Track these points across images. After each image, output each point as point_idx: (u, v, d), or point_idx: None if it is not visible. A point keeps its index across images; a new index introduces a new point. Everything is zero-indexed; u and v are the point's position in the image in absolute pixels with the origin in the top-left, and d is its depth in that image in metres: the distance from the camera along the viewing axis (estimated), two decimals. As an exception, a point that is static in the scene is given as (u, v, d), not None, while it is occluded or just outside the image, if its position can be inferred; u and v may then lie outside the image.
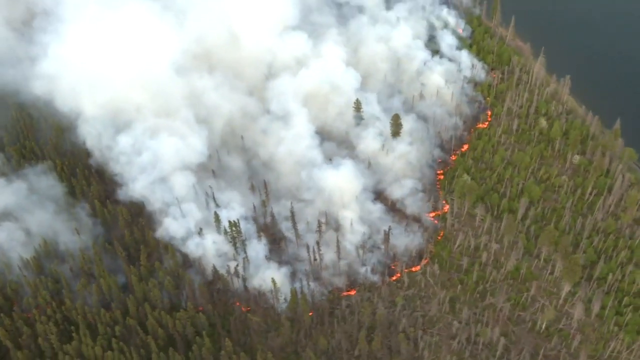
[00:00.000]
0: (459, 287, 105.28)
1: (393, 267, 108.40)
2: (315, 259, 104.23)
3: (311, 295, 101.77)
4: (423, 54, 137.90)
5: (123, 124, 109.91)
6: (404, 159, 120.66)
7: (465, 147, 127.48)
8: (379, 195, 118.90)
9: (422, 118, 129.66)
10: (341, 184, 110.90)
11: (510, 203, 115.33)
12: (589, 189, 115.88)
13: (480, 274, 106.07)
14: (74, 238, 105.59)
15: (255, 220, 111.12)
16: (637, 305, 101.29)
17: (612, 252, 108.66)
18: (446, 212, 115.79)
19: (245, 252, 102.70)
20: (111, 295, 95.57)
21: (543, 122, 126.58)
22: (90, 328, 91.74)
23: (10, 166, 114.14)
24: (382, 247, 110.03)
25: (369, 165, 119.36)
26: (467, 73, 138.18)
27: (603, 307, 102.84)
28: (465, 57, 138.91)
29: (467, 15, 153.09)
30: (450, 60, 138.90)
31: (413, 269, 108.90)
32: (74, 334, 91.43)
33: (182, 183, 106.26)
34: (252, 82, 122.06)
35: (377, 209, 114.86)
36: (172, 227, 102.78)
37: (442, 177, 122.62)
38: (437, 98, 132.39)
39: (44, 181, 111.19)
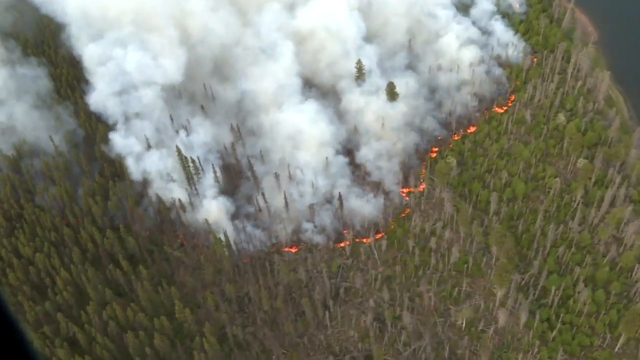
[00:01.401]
0: (399, 267, 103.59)
1: (345, 233, 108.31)
2: (260, 209, 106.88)
3: (247, 242, 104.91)
4: (450, 17, 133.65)
5: (100, 31, 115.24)
6: (390, 125, 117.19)
7: (473, 128, 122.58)
8: (349, 154, 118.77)
9: (431, 87, 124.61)
10: (304, 127, 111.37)
11: (490, 194, 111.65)
12: (578, 197, 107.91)
13: (425, 260, 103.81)
14: (53, 139, 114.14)
15: (222, 157, 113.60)
16: (575, 325, 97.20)
17: (575, 267, 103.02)
18: (421, 191, 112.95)
19: (195, 187, 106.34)
20: (64, 203, 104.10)
21: (561, 118, 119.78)
22: (32, 228, 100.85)
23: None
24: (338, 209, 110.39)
25: (355, 131, 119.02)
26: (500, 50, 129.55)
27: (542, 320, 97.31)
28: (501, 33, 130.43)
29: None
30: (483, 32, 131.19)
31: (364, 240, 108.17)
32: (16, 231, 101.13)
33: (147, 100, 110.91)
34: (246, 12, 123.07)
35: (344, 170, 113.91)
36: (120, 143, 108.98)
37: (434, 154, 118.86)
38: (455, 70, 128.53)
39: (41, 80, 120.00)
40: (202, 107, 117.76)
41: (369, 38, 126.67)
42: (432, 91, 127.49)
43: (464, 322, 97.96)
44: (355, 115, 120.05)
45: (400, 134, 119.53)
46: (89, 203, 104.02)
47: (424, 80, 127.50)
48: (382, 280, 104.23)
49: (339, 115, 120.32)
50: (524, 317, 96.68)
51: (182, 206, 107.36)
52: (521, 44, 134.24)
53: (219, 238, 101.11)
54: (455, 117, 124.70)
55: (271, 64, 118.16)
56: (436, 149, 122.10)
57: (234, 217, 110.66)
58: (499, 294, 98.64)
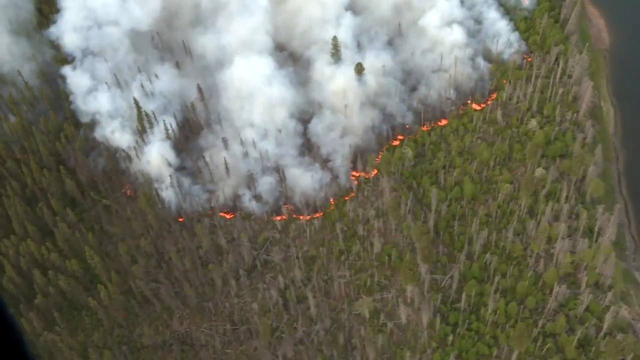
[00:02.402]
0: (324, 249, 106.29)
1: (285, 207, 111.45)
2: (200, 170, 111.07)
3: (185, 201, 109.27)
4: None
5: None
6: (353, 101, 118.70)
7: (444, 121, 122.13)
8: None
9: (407, 70, 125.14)
10: (258, 86, 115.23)
11: (438, 190, 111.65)
12: (522, 206, 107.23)
13: (350, 246, 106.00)
14: (30, 66, 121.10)
15: (183, 112, 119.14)
16: (480, 333, 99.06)
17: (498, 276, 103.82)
18: (368, 177, 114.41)
19: (143, 137, 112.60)
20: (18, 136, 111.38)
21: (533, 123, 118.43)
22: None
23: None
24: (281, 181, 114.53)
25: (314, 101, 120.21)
26: (493, 44, 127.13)
27: (449, 324, 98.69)
28: (498, 26, 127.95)
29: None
30: (477, 22, 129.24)
31: (301, 216, 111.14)
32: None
33: (110, 40, 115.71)
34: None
35: (296, 140, 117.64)
36: (73, 79, 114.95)
37: (397, 142, 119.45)
38: (435, 54, 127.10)
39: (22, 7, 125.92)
40: (177, 64, 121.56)
41: (353, 9, 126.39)
42: (408, 74, 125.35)
43: (368, 313, 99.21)
44: (319, 85, 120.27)
45: (362, 113, 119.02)
46: (39, 140, 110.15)
47: (401, 61, 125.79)
48: (304, 260, 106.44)
49: (304, 83, 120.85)
50: (426, 317, 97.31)
51: (128, 155, 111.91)
52: (517, 41, 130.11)
53: (147, 192, 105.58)
54: (429, 107, 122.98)
55: (241, 18, 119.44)
56: (401, 137, 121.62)
57: (179, 174, 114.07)
58: (408, 290, 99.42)
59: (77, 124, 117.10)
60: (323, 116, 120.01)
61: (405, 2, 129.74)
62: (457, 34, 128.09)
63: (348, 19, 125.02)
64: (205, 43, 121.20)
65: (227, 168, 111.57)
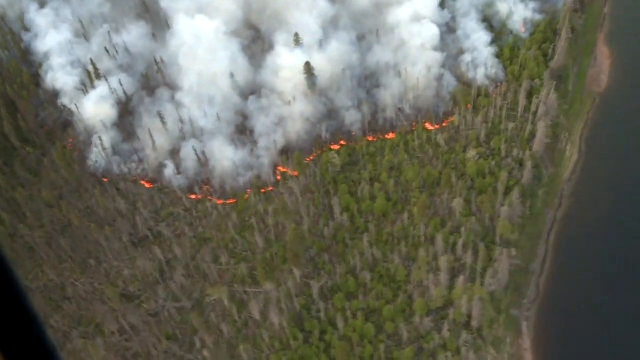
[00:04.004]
0: (219, 234, 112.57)
1: (204, 186, 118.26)
2: (137, 136, 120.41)
3: (111, 163, 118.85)
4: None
5: None
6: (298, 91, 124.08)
7: (392, 135, 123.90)
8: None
9: (368, 73, 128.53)
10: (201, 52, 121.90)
11: (348, 199, 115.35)
12: (420, 231, 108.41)
13: (241, 235, 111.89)
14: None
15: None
16: (330, 346, 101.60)
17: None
18: (292, 176, 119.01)
19: (87, 88, 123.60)
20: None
21: (471, 153, 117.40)
22: None
23: None
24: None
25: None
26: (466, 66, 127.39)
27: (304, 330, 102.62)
28: (478, 49, 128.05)
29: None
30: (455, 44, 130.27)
31: (215, 199, 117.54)
32: None
33: None
34: None
35: (234, 117, 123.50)
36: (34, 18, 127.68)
37: (336, 147, 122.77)
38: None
39: None
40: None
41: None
42: (368, 77, 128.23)
43: (227, 302, 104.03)
44: (272, 68, 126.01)
45: (307, 108, 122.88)
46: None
47: (365, 61, 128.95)
48: (197, 240, 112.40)
49: (259, 64, 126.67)
50: (276, 318, 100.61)
51: (69, 109, 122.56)
52: (494, 67, 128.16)
53: (63, 145, 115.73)
54: (379, 117, 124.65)
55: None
56: (343, 143, 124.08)
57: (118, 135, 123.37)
58: (268, 287, 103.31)
59: (29, 64, 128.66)
60: (267, 100, 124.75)
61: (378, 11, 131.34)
62: (427, 33, 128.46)
63: (322, 6, 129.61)
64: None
65: (151, 136, 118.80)
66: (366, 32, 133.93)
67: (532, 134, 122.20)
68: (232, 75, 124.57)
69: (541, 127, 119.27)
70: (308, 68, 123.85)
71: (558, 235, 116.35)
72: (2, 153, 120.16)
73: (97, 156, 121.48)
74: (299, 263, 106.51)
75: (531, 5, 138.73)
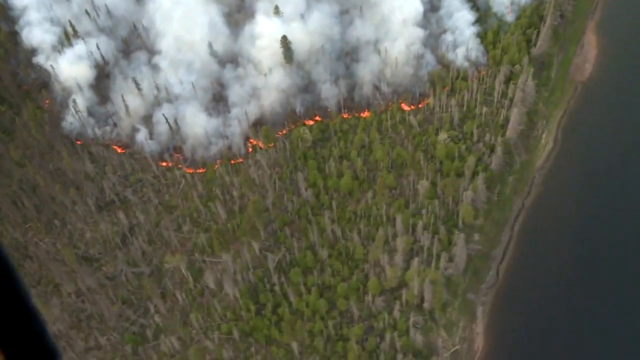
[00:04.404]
0: (182, 202, 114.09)
1: (176, 155, 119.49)
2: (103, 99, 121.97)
3: (85, 125, 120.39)
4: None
5: None
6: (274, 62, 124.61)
7: (367, 113, 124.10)
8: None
9: (349, 47, 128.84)
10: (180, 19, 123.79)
11: (315, 176, 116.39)
12: (382, 212, 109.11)
13: (199, 208, 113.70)
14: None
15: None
16: (281, 319, 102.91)
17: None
18: (264, 148, 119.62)
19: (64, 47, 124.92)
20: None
21: (443, 136, 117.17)
22: None
23: None
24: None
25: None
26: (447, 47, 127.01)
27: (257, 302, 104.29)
28: (461, 30, 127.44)
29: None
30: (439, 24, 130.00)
31: (186, 168, 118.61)
32: None
33: None
34: None
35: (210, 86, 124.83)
36: None
37: (311, 122, 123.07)
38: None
39: None
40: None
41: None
42: (348, 52, 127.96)
43: (184, 271, 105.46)
44: (250, 36, 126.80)
45: (283, 80, 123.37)
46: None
47: (346, 35, 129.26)
48: (163, 207, 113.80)
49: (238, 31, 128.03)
50: (230, 289, 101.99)
51: (45, 69, 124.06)
52: (476, 51, 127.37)
53: (38, 106, 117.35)
54: (356, 94, 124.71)
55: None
56: (318, 119, 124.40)
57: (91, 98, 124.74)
58: (225, 258, 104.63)
59: (8, 20, 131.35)
60: (244, 70, 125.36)
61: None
62: (410, 8, 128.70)
63: None
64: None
65: (124, 102, 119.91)
66: (350, 6, 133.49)
67: (507, 120, 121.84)
68: (210, 44, 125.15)
69: (515, 114, 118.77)
70: (285, 42, 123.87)
71: (524, 223, 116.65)
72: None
73: (72, 118, 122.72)
74: (258, 236, 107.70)
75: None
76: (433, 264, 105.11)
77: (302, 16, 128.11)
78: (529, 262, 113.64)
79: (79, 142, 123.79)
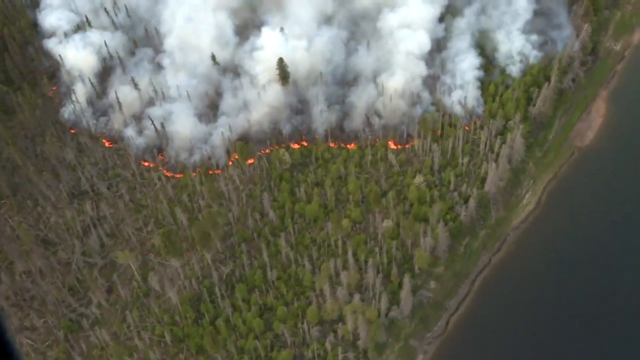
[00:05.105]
0: (152, 203, 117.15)
1: (160, 157, 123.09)
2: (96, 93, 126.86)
3: (82, 116, 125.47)
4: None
5: None
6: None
7: (352, 145, 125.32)
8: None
9: (348, 75, 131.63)
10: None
11: (285, 198, 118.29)
12: (339, 244, 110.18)
13: (164, 214, 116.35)
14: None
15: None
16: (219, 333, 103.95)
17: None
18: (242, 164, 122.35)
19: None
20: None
21: (419, 179, 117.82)
22: None
23: None
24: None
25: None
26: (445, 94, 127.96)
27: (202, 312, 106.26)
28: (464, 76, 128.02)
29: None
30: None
31: (165, 171, 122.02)
32: None
33: None
34: None
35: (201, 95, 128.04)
36: None
37: (296, 146, 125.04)
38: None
39: None
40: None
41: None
42: (348, 82, 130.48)
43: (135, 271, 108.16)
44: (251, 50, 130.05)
45: (277, 99, 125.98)
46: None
47: (348, 62, 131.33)
48: (133, 205, 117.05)
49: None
50: (173, 294, 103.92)
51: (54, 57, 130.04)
52: (474, 101, 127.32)
53: (42, 93, 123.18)
54: (345, 124, 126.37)
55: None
56: (305, 143, 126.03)
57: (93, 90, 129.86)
58: (174, 263, 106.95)
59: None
60: (240, 82, 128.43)
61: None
62: (418, 40, 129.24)
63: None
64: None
65: (118, 101, 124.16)
66: (360, 34, 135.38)
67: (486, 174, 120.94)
68: (213, 56, 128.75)
69: (493, 169, 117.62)
70: (281, 64, 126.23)
71: (487, 279, 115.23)
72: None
73: (71, 107, 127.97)
74: (210, 246, 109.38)
75: (533, 39, 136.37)
76: (374, 304, 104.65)
77: (309, 38, 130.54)
78: (483, 318, 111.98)
79: (72, 131, 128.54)
